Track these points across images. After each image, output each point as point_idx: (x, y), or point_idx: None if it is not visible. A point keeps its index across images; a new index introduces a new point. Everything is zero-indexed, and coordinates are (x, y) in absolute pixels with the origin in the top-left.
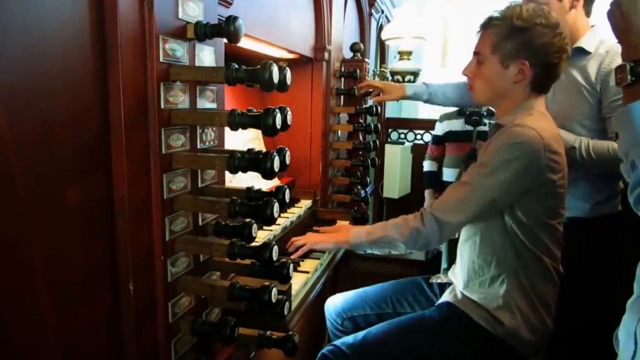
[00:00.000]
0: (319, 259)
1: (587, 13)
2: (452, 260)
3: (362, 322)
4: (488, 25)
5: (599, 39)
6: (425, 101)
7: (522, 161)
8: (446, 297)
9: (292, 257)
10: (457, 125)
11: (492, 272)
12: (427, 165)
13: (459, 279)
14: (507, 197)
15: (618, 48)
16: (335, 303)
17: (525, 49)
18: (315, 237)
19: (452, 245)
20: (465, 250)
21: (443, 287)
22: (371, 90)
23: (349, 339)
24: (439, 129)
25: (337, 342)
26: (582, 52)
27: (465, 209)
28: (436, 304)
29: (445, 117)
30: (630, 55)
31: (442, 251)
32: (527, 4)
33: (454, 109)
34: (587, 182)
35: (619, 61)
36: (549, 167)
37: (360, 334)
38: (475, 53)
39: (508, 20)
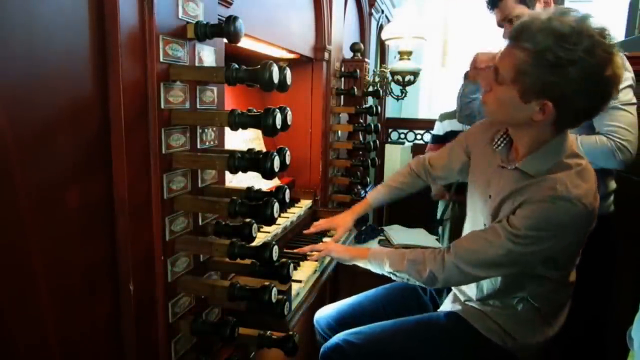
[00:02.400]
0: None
1: None
2: None
3: None
4: (518, 40)
5: None
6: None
7: (563, 235)
8: (451, 305)
9: (309, 258)
10: (458, 125)
11: (511, 295)
12: None
13: (467, 292)
14: (539, 261)
15: None
16: (326, 315)
17: (551, 90)
18: (336, 247)
19: None
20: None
21: (439, 292)
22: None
23: (351, 336)
24: (440, 129)
25: (340, 339)
26: None
27: (491, 269)
28: (443, 312)
29: (446, 116)
30: None
31: None
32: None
33: (453, 108)
34: None
35: None
36: (590, 227)
37: (363, 333)
38: (496, 68)
39: (540, 47)
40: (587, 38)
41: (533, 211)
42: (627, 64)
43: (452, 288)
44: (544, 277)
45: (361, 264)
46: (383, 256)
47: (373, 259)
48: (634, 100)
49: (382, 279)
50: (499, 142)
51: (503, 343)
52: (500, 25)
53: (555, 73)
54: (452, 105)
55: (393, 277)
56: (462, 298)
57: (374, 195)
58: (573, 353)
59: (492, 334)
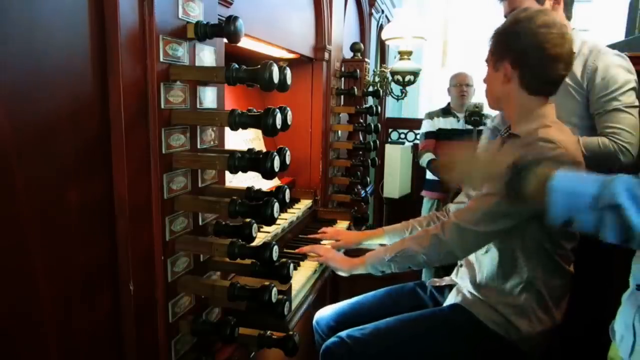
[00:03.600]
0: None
1: (568, 17)
2: None
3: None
4: (492, 34)
5: (581, 39)
6: None
7: None
8: (454, 298)
9: (310, 258)
10: (443, 123)
11: (513, 281)
12: (427, 157)
13: (468, 280)
14: (532, 211)
15: (600, 47)
16: (326, 315)
17: (507, 50)
18: (335, 256)
19: None
20: (484, 260)
21: (440, 290)
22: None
23: (355, 332)
24: (429, 126)
25: (343, 334)
26: None
27: (491, 219)
28: (446, 305)
29: (434, 114)
30: None
31: None
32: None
33: (439, 107)
34: None
35: (602, 59)
36: None
37: (367, 328)
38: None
39: (501, 26)
40: (527, 13)
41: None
42: (631, 67)
43: (455, 279)
44: (540, 251)
45: (361, 270)
46: (380, 251)
47: (371, 259)
48: (637, 102)
49: (382, 280)
50: (502, 132)
51: (506, 334)
52: (506, 17)
53: (507, 37)
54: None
55: (395, 269)
56: (462, 284)
57: (391, 226)
58: (573, 350)
59: (494, 324)
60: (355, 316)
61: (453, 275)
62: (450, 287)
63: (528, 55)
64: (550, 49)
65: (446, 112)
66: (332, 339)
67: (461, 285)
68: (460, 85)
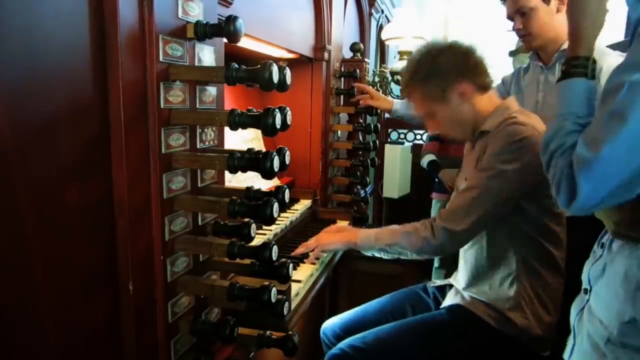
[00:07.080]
0: (317, 259)
1: None
2: (444, 259)
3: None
4: (405, 93)
5: None
6: (407, 118)
7: (526, 157)
8: (452, 299)
9: (306, 261)
10: None
11: (502, 274)
12: (428, 158)
13: (462, 282)
14: (516, 194)
15: (603, 48)
16: (331, 324)
17: (446, 78)
18: (326, 238)
19: None
20: (471, 255)
21: (441, 290)
22: (364, 93)
23: (356, 341)
24: None
25: (344, 345)
26: None
27: (474, 212)
28: (445, 307)
29: None
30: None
31: None
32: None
33: None
34: None
35: (606, 60)
36: None
37: (369, 336)
38: (423, 116)
39: (413, 78)
40: (423, 51)
41: (494, 144)
42: None
43: (453, 282)
44: (525, 238)
45: (352, 247)
46: (371, 236)
47: (361, 242)
48: None
49: (381, 278)
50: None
51: (504, 329)
52: (510, 18)
53: (432, 70)
54: None
55: (384, 256)
56: (459, 286)
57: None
58: None
59: (492, 319)
60: (361, 323)
61: (452, 279)
62: (451, 285)
63: (462, 65)
64: (466, 52)
65: None
66: (334, 351)
67: (456, 284)
68: None
